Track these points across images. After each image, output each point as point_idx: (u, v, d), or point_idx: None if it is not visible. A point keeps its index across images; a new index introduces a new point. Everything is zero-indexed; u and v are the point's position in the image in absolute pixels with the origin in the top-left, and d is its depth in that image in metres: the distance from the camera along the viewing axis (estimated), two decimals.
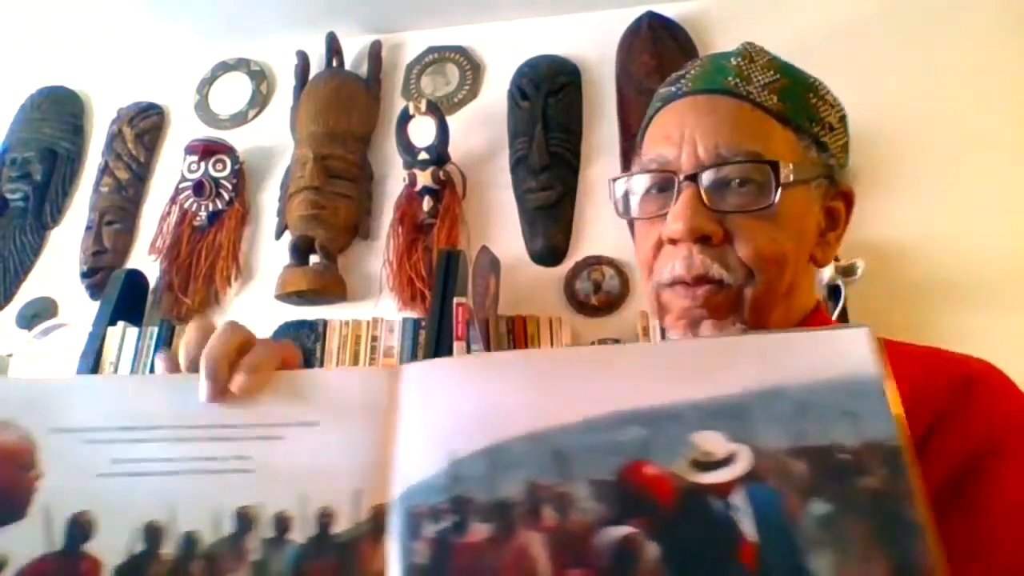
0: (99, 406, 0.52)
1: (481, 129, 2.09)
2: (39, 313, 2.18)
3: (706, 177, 0.72)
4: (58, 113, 2.35)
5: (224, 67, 2.34)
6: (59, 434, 0.51)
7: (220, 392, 0.53)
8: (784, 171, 0.72)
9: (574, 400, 0.50)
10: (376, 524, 0.48)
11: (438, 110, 1.99)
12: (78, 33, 2.26)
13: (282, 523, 0.48)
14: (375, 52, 2.20)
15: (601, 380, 0.51)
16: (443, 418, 0.50)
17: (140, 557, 0.48)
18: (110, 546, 0.48)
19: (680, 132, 0.75)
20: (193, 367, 0.55)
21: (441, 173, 1.98)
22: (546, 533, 0.46)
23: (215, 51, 2.33)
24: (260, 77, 2.30)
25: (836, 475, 0.46)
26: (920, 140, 1.88)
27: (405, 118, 2.00)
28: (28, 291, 2.26)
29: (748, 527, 0.46)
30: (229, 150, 2.15)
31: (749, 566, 0.45)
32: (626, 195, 0.79)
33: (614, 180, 0.80)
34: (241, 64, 2.32)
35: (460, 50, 2.18)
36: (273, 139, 2.22)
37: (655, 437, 0.48)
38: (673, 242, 0.72)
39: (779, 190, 0.72)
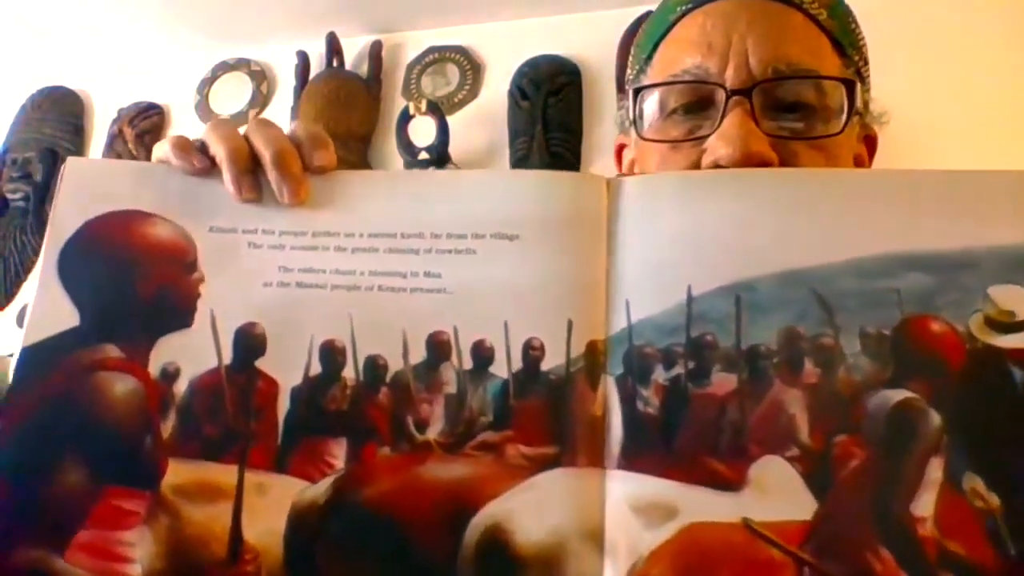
0: (260, 205, 0.44)
1: (481, 129, 2.03)
2: None
3: (761, 94, 0.57)
4: (58, 113, 2.29)
5: (224, 67, 2.27)
6: (219, 234, 0.44)
7: (301, 182, 0.44)
8: (860, 93, 0.59)
9: (838, 235, 0.41)
10: (592, 362, 0.41)
11: (438, 110, 1.93)
12: (78, 33, 2.21)
13: (482, 353, 0.41)
14: (375, 52, 2.15)
15: (876, 212, 0.41)
16: (678, 244, 0.41)
17: (319, 380, 0.41)
18: (285, 365, 0.41)
19: (725, 39, 0.59)
20: (240, 161, 0.45)
21: None
22: (806, 390, 0.39)
23: (215, 51, 2.27)
24: (260, 77, 2.25)
25: None
26: (920, 140, 1.75)
27: (405, 118, 1.95)
28: (28, 291, 2.20)
29: None
30: None
31: None
32: (640, 115, 0.62)
33: (639, 90, 0.62)
34: (241, 64, 2.27)
35: (460, 50, 2.12)
36: None
37: (944, 287, 0.39)
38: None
39: (850, 115, 0.59)
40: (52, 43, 2.28)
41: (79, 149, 2.38)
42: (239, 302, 0.42)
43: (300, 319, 0.42)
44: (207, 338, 0.41)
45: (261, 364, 0.41)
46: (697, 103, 0.60)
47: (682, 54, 0.61)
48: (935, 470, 0.37)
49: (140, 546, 0.37)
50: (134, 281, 0.42)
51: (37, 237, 2.31)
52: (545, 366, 0.41)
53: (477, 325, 0.41)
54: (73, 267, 0.43)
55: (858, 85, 0.60)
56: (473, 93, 2.09)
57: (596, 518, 0.38)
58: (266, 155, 0.44)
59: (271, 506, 0.38)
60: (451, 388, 0.41)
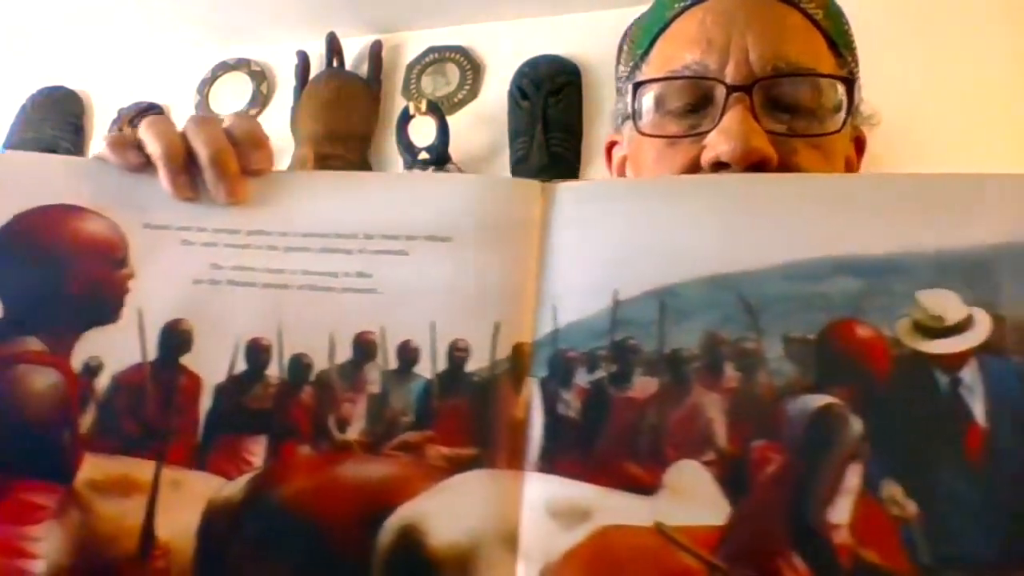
0: (196, 203, 0.44)
1: (481, 129, 2.03)
2: None
3: (760, 91, 0.57)
4: (58, 113, 2.28)
5: (224, 67, 2.28)
6: (153, 230, 0.44)
7: (238, 182, 0.45)
8: (858, 93, 0.60)
9: (771, 239, 0.40)
10: (517, 365, 0.40)
11: (438, 110, 1.93)
12: (78, 33, 2.21)
13: (408, 354, 0.41)
14: (375, 52, 2.15)
15: (806, 217, 0.40)
16: (607, 249, 0.41)
17: (243, 377, 0.41)
18: (210, 362, 0.41)
19: (725, 36, 0.59)
20: (175, 159, 0.45)
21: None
22: (726, 395, 0.38)
23: (215, 51, 2.27)
24: (260, 77, 2.26)
25: None
26: (918, 140, 1.74)
27: (405, 118, 1.95)
28: None
29: (978, 409, 0.37)
30: None
31: (972, 455, 0.36)
32: (638, 112, 0.62)
33: (639, 84, 0.62)
34: (241, 64, 2.28)
35: (460, 50, 2.13)
36: (274, 139, 2.15)
37: (872, 292, 0.39)
38: (719, 167, 0.57)
39: (849, 114, 0.59)
40: (52, 43, 2.29)
41: (79, 149, 2.40)
42: (168, 299, 0.42)
43: (229, 317, 0.42)
44: (133, 333, 0.41)
45: (186, 361, 0.41)
46: (696, 100, 0.60)
47: (681, 50, 0.61)
48: (853, 477, 0.37)
49: (46, 541, 0.38)
50: (60, 275, 0.42)
51: None
52: (470, 367, 0.41)
53: (405, 326, 0.41)
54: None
55: (855, 84, 0.61)
56: (473, 93, 2.09)
57: (512, 520, 0.38)
58: (203, 154, 0.44)
59: (186, 503, 0.38)
60: (375, 388, 0.41)
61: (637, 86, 0.61)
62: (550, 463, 0.39)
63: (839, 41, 0.63)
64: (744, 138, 0.55)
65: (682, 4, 0.63)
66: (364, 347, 0.41)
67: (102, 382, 0.41)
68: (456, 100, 2.08)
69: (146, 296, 0.42)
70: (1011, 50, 1.77)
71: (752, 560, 0.36)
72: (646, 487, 0.38)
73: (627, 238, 0.41)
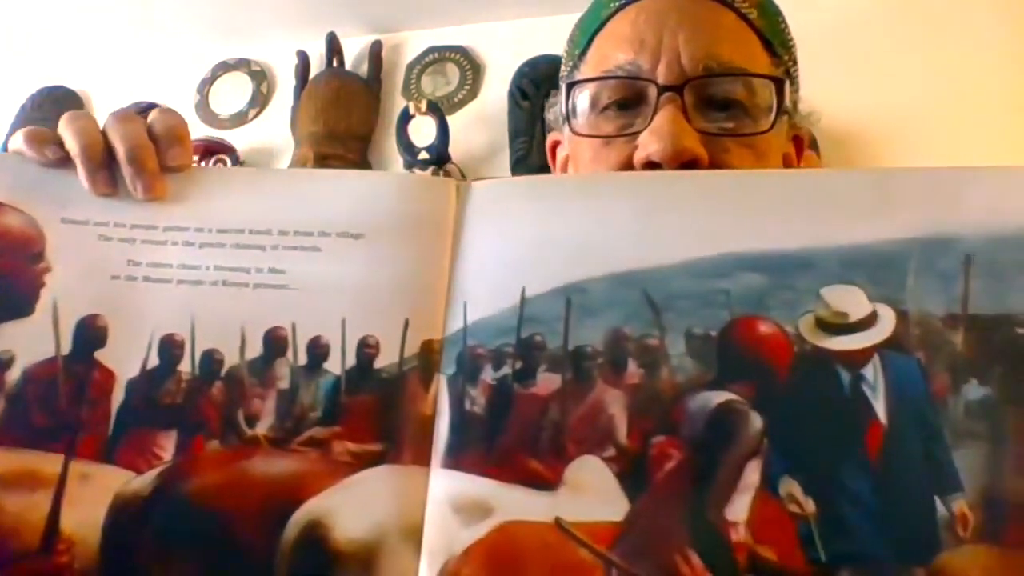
0: (115, 198, 0.45)
1: (481, 129, 2.05)
2: None
3: (692, 91, 0.57)
4: (58, 113, 2.22)
5: (224, 67, 2.30)
6: (71, 225, 0.44)
7: (155, 178, 0.45)
8: (788, 92, 0.60)
9: (676, 236, 0.40)
10: (426, 361, 0.41)
11: (438, 110, 1.95)
12: (78, 33, 2.22)
13: (318, 350, 0.41)
14: (375, 52, 2.16)
15: (711, 213, 0.40)
16: (517, 246, 0.41)
17: (155, 372, 0.41)
18: (124, 357, 0.42)
19: (657, 36, 0.59)
20: (94, 156, 0.45)
21: (441, 173, 1.90)
22: (628, 391, 0.38)
23: (215, 51, 2.29)
24: (260, 77, 2.27)
25: (1005, 353, 0.36)
26: (918, 140, 1.73)
27: (405, 118, 1.97)
28: None
29: (879, 406, 0.37)
30: (229, 150, 2.09)
31: (871, 454, 0.36)
32: (572, 111, 0.62)
33: (572, 85, 0.62)
34: (241, 64, 2.29)
35: (460, 50, 2.14)
36: (273, 139, 2.19)
37: (776, 288, 0.39)
38: (651, 166, 0.56)
39: (779, 114, 0.59)
40: (52, 43, 2.30)
41: None
42: (85, 294, 0.43)
43: (144, 312, 0.42)
44: (47, 328, 0.42)
45: (100, 356, 0.42)
46: (630, 99, 0.60)
47: (615, 50, 0.62)
48: (752, 473, 0.37)
49: None
50: None
51: None
52: (379, 364, 0.41)
53: (316, 322, 0.42)
54: None
55: (787, 84, 0.61)
56: (473, 93, 2.10)
57: (416, 516, 0.38)
58: (121, 151, 0.44)
59: (93, 496, 0.39)
60: (284, 384, 0.41)
61: (571, 86, 0.61)
62: (456, 459, 0.39)
63: (774, 40, 0.63)
64: (674, 138, 0.55)
65: (617, 3, 0.63)
66: (275, 343, 0.41)
67: (12, 375, 0.41)
68: (456, 100, 2.09)
69: (62, 291, 0.43)
70: (1011, 51, 1.76)
71: (649, 556, 0.36)
72: (547, 483, 0.38)
73: (536, 235, 0.41)
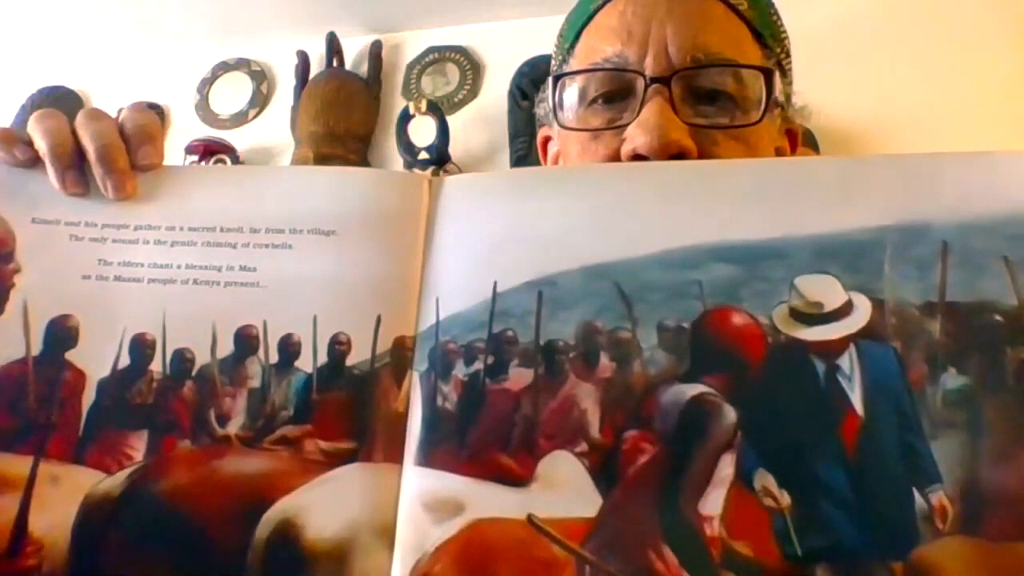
0: (86, 197, 0.44)
1: (481, 129, 2.05)
2: None
3: (680, 83, 0.57)
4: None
5: (224, 67, 2.30)
6: (41, 225, 0.44)
7: (126, 177, 0.45)
8: (778, 84, 0.59)
9: (648, 228, 0.40)
10: (399, 358, 0.40)
11: (438, 110, 1.95)
12: (78, 33, 2.23)
13: (289, 348, 0.41)
14: (375, 52, 2.17)
15: (683, 204, 0.40)
16: (488, 241, 0.41)
17: (126, 372, 0.41)
18: (95, 357, 0.41)
19: (645, 27, 0.59)
20: (63, 156, 0.45)
21: (442, 172, 1.90)
22: (600, 385, 0.38)
23: (215, 51, 2.29)
24: (260, 77, 2.28)
25: (982, 341, 0.36)
26: (918, 138, 1.73)
27: (405, 118, 1.97)
28: None
29: (855, 397, 0.36)
30: (229, 150, 2.09)
31: (848, 445, 0.36)
32: (559, 104, 0.62)
33: (559, 78, 0.62)
34: (241, 64, 2.30)
35: (460, 50, 2.14)
36: (273, 139, 2.20)
37: (749, 279, 0.38)
38: (638, 159, 0.56)
39: (769, 107, 0.58)
40: (52, 43, 2.30)
41: None
42: (55, 294, 0.42)
43: (115, 312, 0.42)
44: (17, 328, 0.41)
45: (71, 356, 0.41)
46: (617, 92, 0.59)
47: (602, 42, 0.61)
48: (726, 467, 0.36)
49: None
50: None
51: None
52: (350, 361, 0.40)
53: (287, 320, 0.41)
54: None
55: (776, 75, 0.60)
56: (473, 93, 2.10)
57: (389, 514, 0.38)
58: (91, 150, 0.44)
59: (63, 497, 0.39)
60: (255, 382, 0.41)
61: (558, 79, 0.61)
62: (428, 456, 0.39)
63: (765, 32, 0.62)
64: (662, 130, 0.54)
65: None
66: (246, 341, 0.41)
67: None
68: (456, 100, 2.09)
69: (32, 291, 0.42)
70: (1011, 48, 1.76)
71: (622, 552, 0.36)
72: (519, 479, 0.37)
73: (508, 229, 0.41)
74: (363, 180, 0.44)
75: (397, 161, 2.07)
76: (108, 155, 0.44)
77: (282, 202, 0.43)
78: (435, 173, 1.98)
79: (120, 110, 0.48)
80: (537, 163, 1.93)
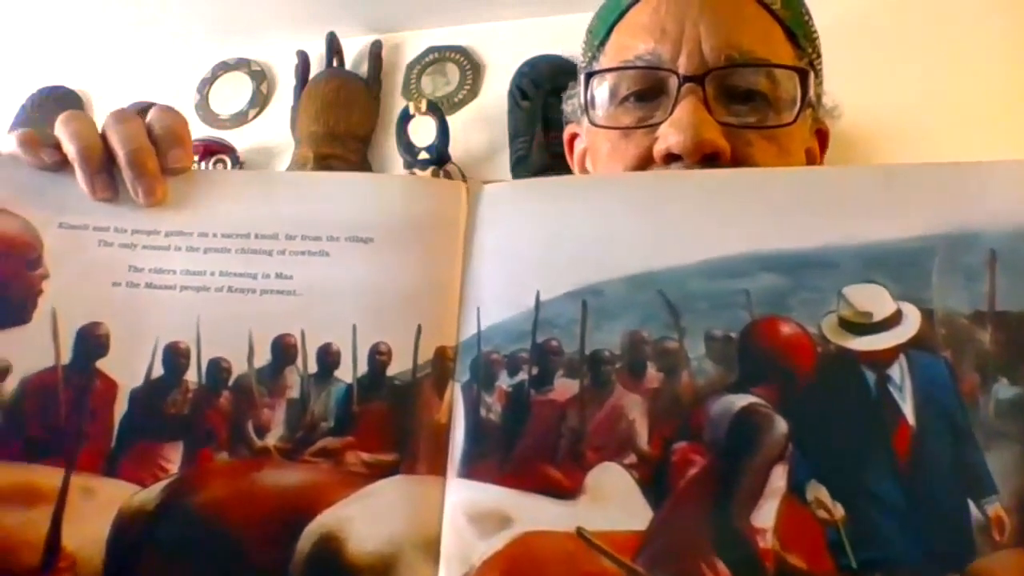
0: (115, 202, 0.44)
1: (481, 129, 2.04)
2: None
3: (714, 82, 0.56)
4: (58, 113, 2.26)
5: (224, 67, 2.29)
6: (69, 230, 0.43)
7: (156, 181, 0.44)
8: (812, 84, 0.59)
9: (693, 236, 0.39)
10: (440, 368, 0.40)
11: (438, 110, 1.94)
12: (78, 33, 2.21)
13: (328, 357, 0.40)
14: (375, 52, 2.16)
15: (729, 213, 0.40)
16: (530, 249, 0.40)
17: (160, 382, 0.40)
18: (127, 366, 0.40)
19: (679, 25, 0.58)
20: (92, 160, 0.44)
21: (441, 173, 1.90)
22: (647, 396, 0.37)
23: (215, 51, 2.28)
24: (260, 77, 2.26)
25: None
26: (920, 139, 1.74)
27: (405, 118, 1.96)
28: None
29: (907, 407, 0.36)
30: (229, 150, 2.09)
31: (901, 456, 0.35)
32: (591, 102, 0.61)
33: (591, 75, 0.61)
34: (241, 64, 2.29)
35: (460, 50, 2.13)
36: (273, 139, 2.19)
37: (797, 288, 0.38)
38: (671, 159, 0.55)
39: (803, 106, 0.58)
40: (52, 43, 2.28)
41: None
42: (85, 301, 0.41)
43: (147, 320, 0.41)
44: (46, 336, 0.40)
45: (102, 365, 0.40)
46: (649, 90, 0.59)
47: (635, 40, 0.60)
48: (778, 479, 0.36)
49: None
50: None
51: None
52: (391, 371, 0.40)
53: (325, 329, 0.41)
54: None
55: (811, 75, 0.60)
56: (473, 93, 2.09)
57: (433, 527, 0.37)
58: (121, 154, 0.43)
59: (96, 511, 0.37)
60: (294, 393, 0.40)
61: (589, 76, 0.60)
62: (472, 468, 0.38)
63: (797, 31, 0.62)
64: (695, 130, 0.54)
65: None
66: (284, 350, 0.40)
67: (9, 385, 0.39)
68: (456, 100, 2.08)
69: (61, 298, 0.41)
70: (1013, 49, 1.77)
71: (674, 565, 0.35)
72: (567, 491, 0.37)
73: (549, 238, 0.40)
74: (401, 187, 0.44)
75: (397, 161, 2.06)
76: (138, 159, 0.43)
77: (318, 209, 0.43)
78: (435, 173, 1.95)
79: (145, 109, 0.46)
80: (537, 163, 1.92)
